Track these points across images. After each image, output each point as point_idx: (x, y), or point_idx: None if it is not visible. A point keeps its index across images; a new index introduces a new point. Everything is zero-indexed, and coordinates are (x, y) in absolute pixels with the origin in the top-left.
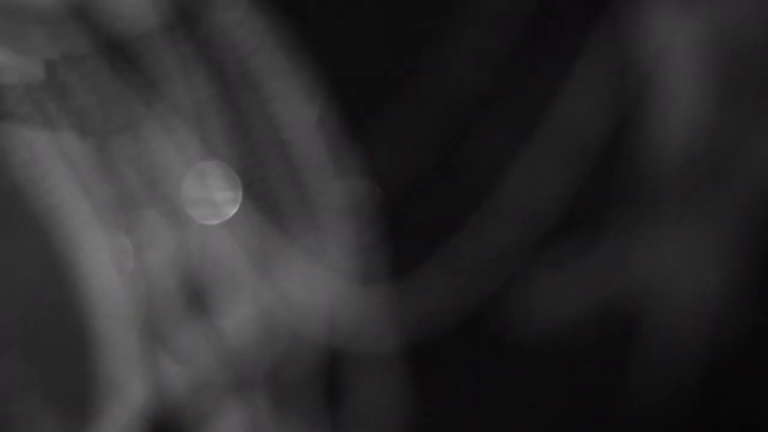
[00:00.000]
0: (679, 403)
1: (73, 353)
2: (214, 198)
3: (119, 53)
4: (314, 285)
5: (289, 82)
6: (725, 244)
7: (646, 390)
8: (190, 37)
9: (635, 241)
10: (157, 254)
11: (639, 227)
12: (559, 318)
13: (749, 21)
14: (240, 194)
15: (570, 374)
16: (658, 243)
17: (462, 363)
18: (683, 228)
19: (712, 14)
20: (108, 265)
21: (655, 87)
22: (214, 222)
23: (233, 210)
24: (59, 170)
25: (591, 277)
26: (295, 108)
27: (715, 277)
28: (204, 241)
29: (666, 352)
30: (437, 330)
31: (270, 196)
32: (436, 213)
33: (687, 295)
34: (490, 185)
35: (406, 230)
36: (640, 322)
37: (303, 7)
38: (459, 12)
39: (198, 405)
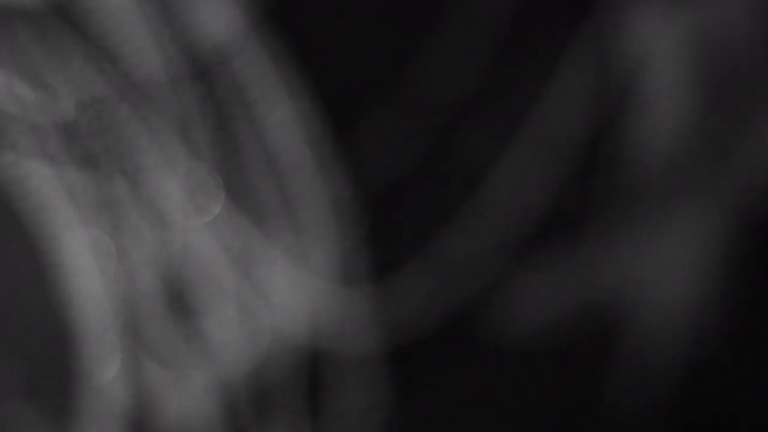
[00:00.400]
0: (659, 406)
1: (55, 354)
2: (197, 200)
3: (104, 56)
4: (296, 286)
5: (272, 84)
6: (706, 247)
7: (626, 391)
8: (176, 41)
9: (617, 243)
10: (139, 255)
11: (620, 230)
12: (541, 320)
13: (732, 23)
14: (223, 196)
15: (551, 376)
16: (639, 245)
17: (443, 364)
18: (664, 231)
19: (695, 16)
20: (90, 267)
21: (639, 89)
22: (197, 223)
23: (216, 211)
24: (42, 171)
25: (572, 279)
26: (279, 110)
27: (696, 280)
28: (187, 243)
29: (646, 355)
30: (419, 331)
31: (253, 198)
32: (418, 214)
33: (667, 298)
34: (473, 187)
35: (388, 232)
36: (620, 324)
37: (288, 10)
38: (443, 14)
39: (180, 406)
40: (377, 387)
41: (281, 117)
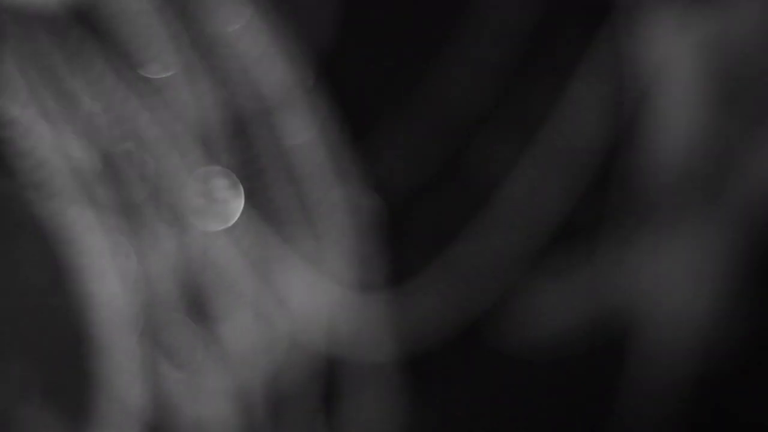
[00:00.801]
0: (669, 415)
1: (74, 357)
2: (216, 205)
3: (125, 61)
4: (314, 293)
5: (291, 91)
6: (719, 257)
7: (637, 401)
8: (195, 47)
9: (629, 253)
10: (158, 260)
11: (633, 240)
12: (554, 328)
13: (747, 34)
14: (242, 202)
15: (564, 384)
16: (652, 255)
17: (458, 372)
18: (677, 241)
19: (710, 27)
20: (110, 271)
21: (654, 99)
22: (216, 229)
23: (235, 217)
24: (63, 175)
25: (585, 288)
26: (297, 117)
27: (707, 291)
28: (205, 248)
29: (657, 364)
30: (434, 339)
31: (271, 205)
32: (435, 222)
33: (679, 308)
34: (489, 195)
35: (405, 240)
36: (632, 333)
37: (306, 18)
38: (460, 25)
39: (197, 411)
40: (393, 394)
41: (300, 124)
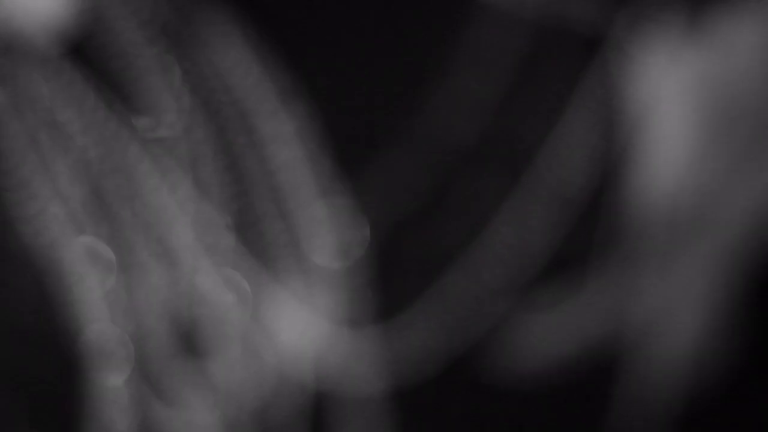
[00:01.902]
0: None
1: (63, 390)
2: (205, 239)
3: (117, 93)
4: (302, 328)
5: (282, 124)
6: (708, 289)
7: (630, 430)
8: (186, 80)
9: (620, 285)
10: (148, 295)
11: (623, 272)
12: (545, 361)
13: (738, 70)
14: (231, 236)
15: (555, 416)
16: (642, 286)
17: (448, 405)
18: (666, 273)
19: (700, 63)
20: (99, 304)
21: (643, 135)
22: (206, 263)
23: (224, 251)
24: (54, 208)
25: (576, 320)
26: (288, 151)
27: (698, 320)
28: (195, 282)
29: (648, 394)
30: (424, 372)
31: (261, 239)
32: (424, 256)
33: (669, 339)
34: (478, 229)
35: (394, 274)
36: (624, 364)
37: (297, 50)
38: (450, 57)
39: None
40: (382, 428)
41: (290, 158)
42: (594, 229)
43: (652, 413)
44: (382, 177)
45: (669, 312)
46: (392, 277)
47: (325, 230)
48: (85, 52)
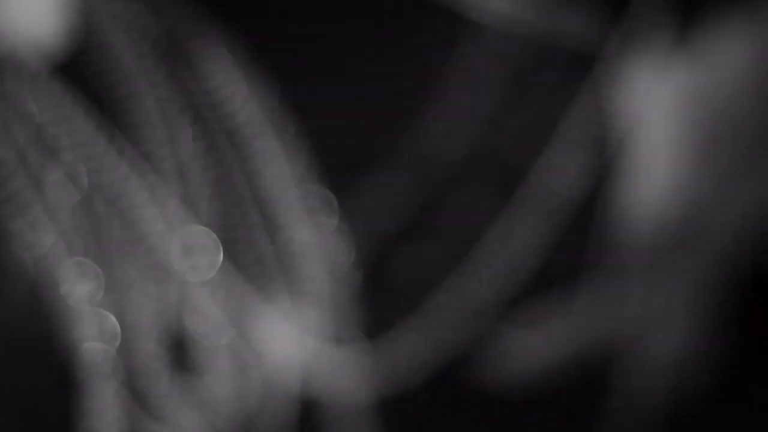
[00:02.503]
0: None
1: (53, 406)
2: (194, 256)
3: (107, 110)
4: (289, 344)
5: (271, 142)
6: (696, 300)
7: None
8: (176, 96)
9: (610, 298)
10: (137, 310)
11: (614, 284)
12: (534, 373)
13: (727, 84)
14: (220, 253)
15: (543, 427)
16: (631, 299)
17: (435, 418)
18: (656, 285)
19: (689, 79)
20: (89, 321)
21: (633, 149)
22: (194, 280)
23: (212, 269)
24: (43, 225)
25: (563, 335)
26: (277, 168)
27: (687, 331)
28: (183, 299)
29: (637, 407)
30: (410, 388)
31: (249, 256)
32: (413, 273)
33: (656, 352)
34: (468, 246)
35: (382, 291)
36: (613, 375)
37: (286, 67)
38: (441, 74)
39: None
40: None
41: (279, 175)
42: (584, 243)
43: (641, 424)
44: (371, 194)
45: (657, 324)
46: (380, 294)
47: (313, 247)
48: (75, 69)
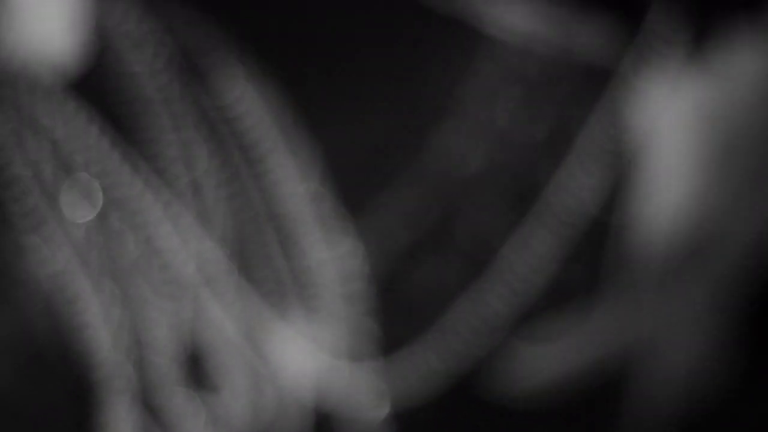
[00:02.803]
0: None
1: (66, 422)
2: (208, 271)
3: (121, 126)
4: (304, 360)
5: (285, 157)
6: (710, 314)
7: None
8: (190, 112)
9: (625, 312)
10: (151, 326)
11: (629, 298)
12: (546, 389)
13: (739, 102)
14: (234, 268)
15: None
16: (646, 313)
17: (449, 431)
18: (670, 299)
19: (702, 95)
20: (103, 335)
21: (648, 164)
22: (208, 294)
23: (226, 283)
24: (59, 238)
25: (581, 348)
26: (292, 184)
27: (701, 344)
28: (197, 314)
29: (652, 417)
30: (426, 403)
31: (263, 271)
32: (428, 289)
33: (671, 364)
34: (484, 260)
35: (397, 307)
36: (627, 387)
37: (300, 83)
38: (458, 89)
39: None
40: None
41: (293, 190)
42: (599, 257)
43: None
44: (386, 209)
45: (671, 338)
46: (395, 309)
47: (328, 262)
48: (89, 85)
